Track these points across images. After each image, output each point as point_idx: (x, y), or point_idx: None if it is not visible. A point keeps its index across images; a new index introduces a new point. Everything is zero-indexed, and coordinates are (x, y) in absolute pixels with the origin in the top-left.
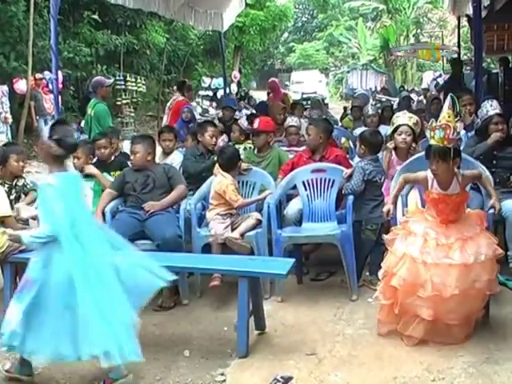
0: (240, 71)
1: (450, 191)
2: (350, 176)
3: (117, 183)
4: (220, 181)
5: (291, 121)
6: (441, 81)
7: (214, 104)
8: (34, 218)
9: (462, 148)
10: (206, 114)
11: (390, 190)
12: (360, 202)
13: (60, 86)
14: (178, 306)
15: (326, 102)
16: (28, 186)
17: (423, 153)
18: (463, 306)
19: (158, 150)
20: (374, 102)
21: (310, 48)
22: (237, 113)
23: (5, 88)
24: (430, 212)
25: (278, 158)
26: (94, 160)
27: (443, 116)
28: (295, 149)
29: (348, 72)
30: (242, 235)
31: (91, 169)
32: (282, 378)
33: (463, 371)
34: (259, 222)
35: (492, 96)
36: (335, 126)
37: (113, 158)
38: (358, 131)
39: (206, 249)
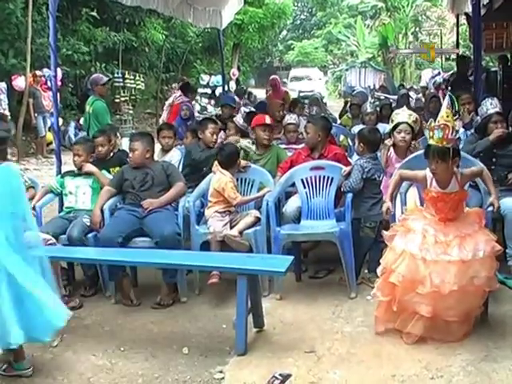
0: (238, 69)
1: (448, 190)
2: (349, 174)
3: (115, 181)
4: (219, 178)
5: (290, 118)
6: (439, 79)
7: (213, 102)
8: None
9: (461, 146)
10: (205, 112)
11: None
12: (359, 200)
13: (59, 83)
14: (176, 303)
15: (324, 100)
16: (26, 184)
17: (422, 151)
18: (462, 303)
19: (157, 147)
20: (372, 100)
21: (308, 46)
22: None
23: (3, 85)
24: (429, 210)
25: (277, 156)
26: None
27: (442, 116)
28: (294, 146)
29: (347, 70)
30: (241, 233)
31: (89, 167)
32: (280, 375)
33: (462, 369)
34: (258, 220)
35: (491, 94)
36: (334, 124)
37: (111, 155)
38: (356, 129)
39: (205, 246)
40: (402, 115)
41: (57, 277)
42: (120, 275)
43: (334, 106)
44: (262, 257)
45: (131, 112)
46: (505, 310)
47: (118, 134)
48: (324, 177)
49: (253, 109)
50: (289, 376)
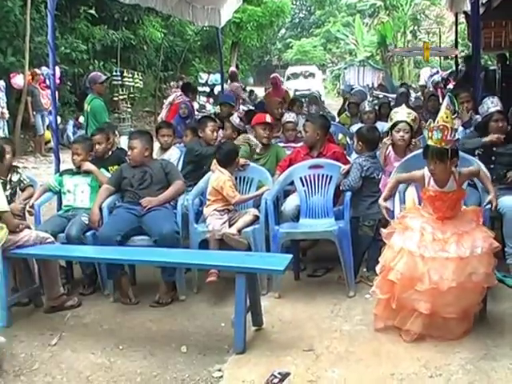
0: (237, 67)
1: (446, 189)
2: (348, 172)
3: (114, 179)
4: (217, 177)
5: (288, 117)
6: (438, 77)
7: (211, 100)
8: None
9: (460, 142)
10: (203, 110)
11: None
12: (357, 199)
13: (57, 81)
14: (175, 301)
15: (322, 98)
16: (25, 182)
17: (421, 150)
18: (461, 300)
19: (156, 145)
20: (371, 99)
21: (307, 44)
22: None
23: (2, 83)
24: (427, 209)
25: (276, 155)
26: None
27: (441, 116)
28: (292, 145)
29: (345, 68)
30: (240, 231)
31: (88, 165)
32: (279, 373)
33: (460, 367)
34: (257, 218)
35: (490, 93)
36: (332, 123)
37: (110, 153)
38: (354, 127)
39: (204, 245)
40: (401, 114)
41: (55, 275)
42: (118, 273)
43: (333, 104)
44: (261, 255)
45: (129, 110)
46: (503, 308)
47: (117, 132)
48: (323, 175)
49: (252, 108)
50: (287, 374)
